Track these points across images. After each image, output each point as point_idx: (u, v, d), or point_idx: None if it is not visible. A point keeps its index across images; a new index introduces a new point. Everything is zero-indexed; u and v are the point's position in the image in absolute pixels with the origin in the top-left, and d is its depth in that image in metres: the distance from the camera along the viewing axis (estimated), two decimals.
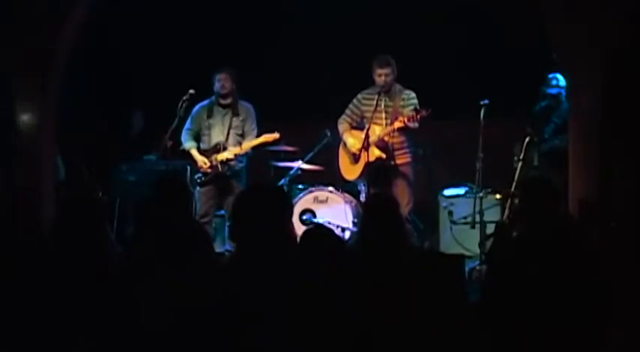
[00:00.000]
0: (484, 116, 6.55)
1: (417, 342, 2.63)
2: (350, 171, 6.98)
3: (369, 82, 6.87)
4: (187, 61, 8.36)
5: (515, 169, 6.83)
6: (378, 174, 6.74)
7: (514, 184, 6.72)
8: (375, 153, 6.68)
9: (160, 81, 8.13)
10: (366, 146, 6.65)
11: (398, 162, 6.77)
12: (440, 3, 8.09)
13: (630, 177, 6.16)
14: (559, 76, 7.18)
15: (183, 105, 6.75)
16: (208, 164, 6.91)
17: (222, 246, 7.05)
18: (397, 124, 6.46)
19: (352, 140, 6.85)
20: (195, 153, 7.01)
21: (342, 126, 6.97)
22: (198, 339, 2.85)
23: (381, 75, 6.67)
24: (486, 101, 6.60)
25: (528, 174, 7.02)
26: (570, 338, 3.09)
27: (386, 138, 6.65)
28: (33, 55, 6.79)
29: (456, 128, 6.94)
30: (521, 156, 6.83)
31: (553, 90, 7.19)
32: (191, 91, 6.75)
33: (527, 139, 6.91)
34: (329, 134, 7.46)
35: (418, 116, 6.31)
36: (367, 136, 6.63)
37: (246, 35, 8.45)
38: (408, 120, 6.36)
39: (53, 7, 6.77)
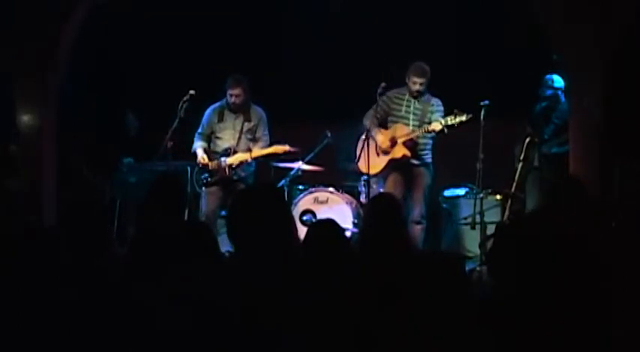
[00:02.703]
0: (484, 117, 6.56)
1: (420, 343, 2.64)
2: (371, 166, 6.89)
3: (370, 83, 6.87)
4: (188, 61, 8.36)
5: (516, 170, 6.83)
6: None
7: (514, 185, 6.73)
8: (402, 151, 6.78)
9: (160, 81, 8.12)
10: (393, 143, 6.79)
11: (425, 161, 6.90)
12: (440, 3, 8.09)
13: (631, 177, 6.17)
14: (555, 77, 7.20)
15: (184, 105, 6.73)
16: (206, 161, 6.90)
17: (225, 246, 7.03)
18: (435, 127, 6.55)
19: (382, 137, 6.89)
20: (199, 151, 7.00)
21: (370, 120, 6.96)
22: (199, 340, 2.86)
23: (416, 83, 6.80)
24: (487, 102, 6.61)
25: (529, 174, 7.04)
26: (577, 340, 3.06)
27: (415, 139, 6.75)
28: (33, 56, 6.80)
29: (457, 129, 6.93)
30: (521, 157, 6.84)
31: (549, 92, 7.20)
32: (191, 92, 6.73)
33: (527, 140, 6.91)
34: (329, 135, 7.46)
35: (457, 119, 6.45)
36: (394, 136, 6.76)
37: (247, 36, 8.45)
38: (447, 123, 6.49)
39: (53, 8, 6.78)
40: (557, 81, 7.16)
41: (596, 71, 6.31)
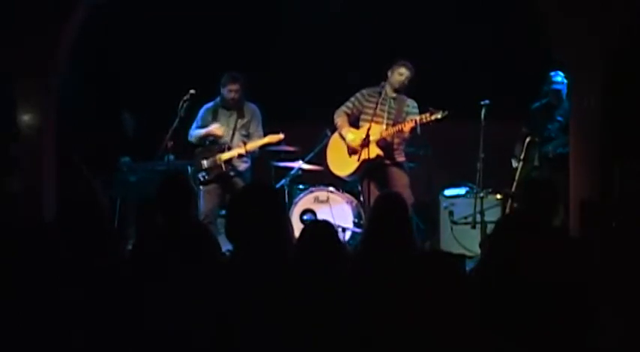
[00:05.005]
0: (485, 116, 6.56)
1: (420, 343, 2.64)
2: (342, 167, 6.87)
3: (370, 83, 6.87)
4: (187, 61, 8.36)
5: (516, 169, 6.83)
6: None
7: (514, 184, 6.73)
8: (376, 151, 6.66)
9: (160, 81, 8.12)
10: (365, 143, 6.63)
11: (398, 160, 6.79)
12: (440, 3, 8.09)
13: (631, 177, 6.17)
14: (559, 73, 7.19)
15: (184, 105, 6.74)
16: (221, 130, 6.89)
17: (225, 245, 7.03)
18: (409, 125, 6.46)
19: (352, 136, 6.78)
20: (205, 129, 6.96)
21: (341, 118, 6.91)
22: (200, 341, 2.86)
23: (403, 75, 6.71)
24: (487, 101, 6.60)
25: (529, 174, 7.04)
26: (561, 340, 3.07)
27: (388, 138, 6.65)
28: (34, 56, 6.80)
29: (457, 128, 6.94)
30: (521, 157, 6.84)
31: (557, 86, 7.13)
32: (192, 91, 6.74)
33: (527, 140, 6.91)
34: (329, 134, 7.45)
35: (433, 117, 6.32)
36: (368, 135, 6.60)
37: (247, 35, 8.45)
38: (421, 121, 6.38)
39: (53, 8, 6.78)
40: (561, 77, 7.15)
41: (596, 71, 6.31)
